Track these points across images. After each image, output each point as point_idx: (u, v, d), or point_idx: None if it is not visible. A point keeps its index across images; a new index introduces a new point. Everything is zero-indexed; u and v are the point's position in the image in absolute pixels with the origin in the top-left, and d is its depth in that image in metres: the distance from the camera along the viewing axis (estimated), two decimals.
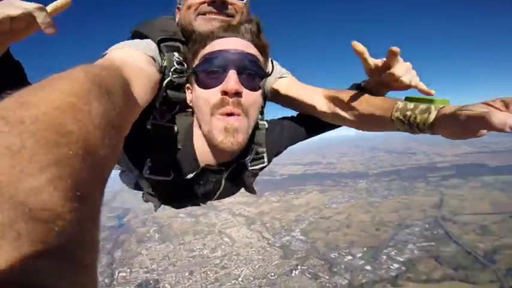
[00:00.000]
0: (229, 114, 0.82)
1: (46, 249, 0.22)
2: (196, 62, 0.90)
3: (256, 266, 39.41)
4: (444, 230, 47.55)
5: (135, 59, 0.83)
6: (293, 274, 36.07)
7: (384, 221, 53.70)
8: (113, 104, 0.43)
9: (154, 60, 0.93)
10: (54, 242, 0.23)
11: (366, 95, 1.06)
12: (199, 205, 1.28)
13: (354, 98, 1.06)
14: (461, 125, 0.69)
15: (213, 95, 0.84)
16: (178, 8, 1.14)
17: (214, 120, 0.83)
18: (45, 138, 0.27)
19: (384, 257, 37.28)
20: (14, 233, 0.20)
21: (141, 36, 1.02)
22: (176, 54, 0.99)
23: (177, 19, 1.15)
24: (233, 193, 1.23)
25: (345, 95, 1.09)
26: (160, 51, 0.98)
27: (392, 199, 67.28)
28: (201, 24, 1.01)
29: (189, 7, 1.03)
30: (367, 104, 1.02)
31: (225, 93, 0.82)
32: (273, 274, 36.94)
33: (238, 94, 0.83)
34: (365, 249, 40.07)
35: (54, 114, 0.30)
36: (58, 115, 0.30)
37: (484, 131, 0.69)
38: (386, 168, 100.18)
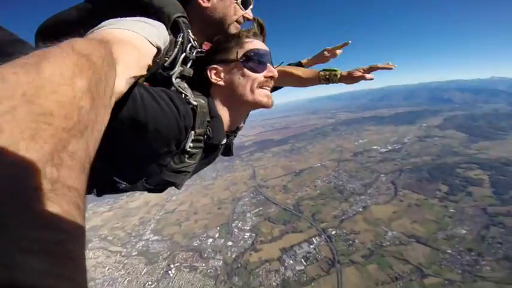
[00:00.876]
0: (267, 88, 1.20)
1: (35, 245, 0.21)
2: (242, 52, 1.15)
3: (125, 282, 34.59)
4: (263, 195, 59.67)
5: (138, 44, 0.77)
6: (171, 274, 34.88)
7: (221, 199, 60.06)
8: (101, 88, 0.41)
9: (158, 48, 0.87)
10: (43, 236, 0.22)
11: (303, 68, 1.91)
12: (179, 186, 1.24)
13: (299, 70, 1.87)
14: (352, 79, 1.69)
15: (259, 76, 1.15)
16: None
17: (260, 91, 1.15)
18: (22, 122, 0.25)
19: (236, 230, 43.24)
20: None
21: (148, 7, 1.00)
22: (190, 31, 1.11)
23: (204, 3, 1.24)
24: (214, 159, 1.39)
25: (294, 68, 1.88)
26: (178, 26, 1.05)
27: (221, 179, 75.66)
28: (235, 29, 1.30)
29: (236, 18, 1.30)
30: (305, 72, 1.82)
31: (270, 77, 1.18)
32: (150, 283, 33.99)
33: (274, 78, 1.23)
34: (218, 228, 44.57)
35: (34, 94, 0.28)
36: (38, 96, 0.28)
37: (359, 80, 1.69)
38: None
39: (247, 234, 41.94)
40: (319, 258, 34.52)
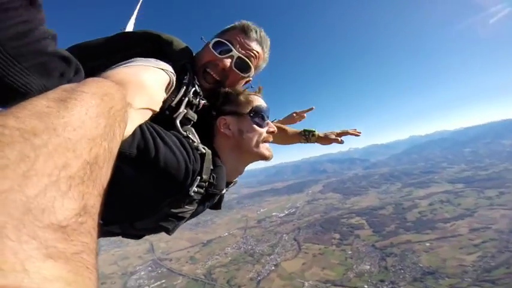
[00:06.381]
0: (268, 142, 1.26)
1: (54, 252, 0.23)
2: (250, 107, 1.20)
3: None
4: (166, 267, 52.88)
5: (154, 85, 0.87)
6: None
7: (106, 274, 51.94)
8: (118, 126, 0.46)
9: (169, 84, 0.98)
10: (63, 245, 0.24)
11: (286, 127, 1.99)
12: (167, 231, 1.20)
13: (285, 126, 2.00)
14: (327, 140, 1.82)
15: (263, 131, 1.20)
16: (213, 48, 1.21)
17: (263, 144, 1.20)
18: (55, 153, 0.29)
19: None
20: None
21: (168, 45, 1.09)
22: (195, 77, 1.15)
23: (204, 57, 1.22)
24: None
25: (281, 125, 1.98)
26: (186, 71, 1.10)
27: (106, 253, 65.09)
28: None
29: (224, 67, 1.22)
30: (289, 130, 1.96)
31: (271, 132, 1.24)
32: None
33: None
34: None
35: (64, 130, 0.32)
36: (68, 131, 0.33)
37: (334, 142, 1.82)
38: None
39: None
40: None
